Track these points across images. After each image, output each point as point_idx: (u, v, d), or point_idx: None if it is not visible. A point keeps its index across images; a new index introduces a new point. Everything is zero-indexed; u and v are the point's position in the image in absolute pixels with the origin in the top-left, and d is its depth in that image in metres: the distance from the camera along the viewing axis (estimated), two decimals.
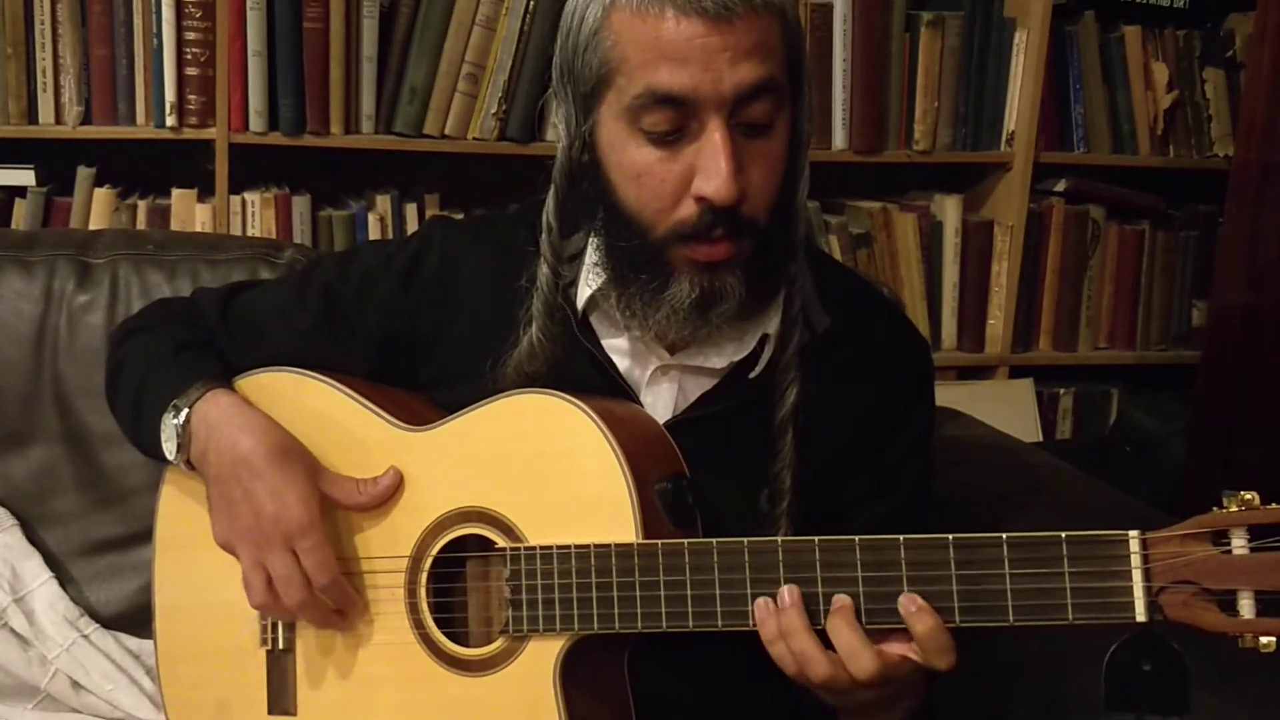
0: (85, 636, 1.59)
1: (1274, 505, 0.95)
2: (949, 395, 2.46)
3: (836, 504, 1.27)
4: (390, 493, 1.22)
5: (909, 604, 1.05)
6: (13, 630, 1.58)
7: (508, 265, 1.26)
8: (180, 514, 1.34)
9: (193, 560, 1.32)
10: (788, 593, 1.08)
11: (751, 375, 1.23)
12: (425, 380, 1.32)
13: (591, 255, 1.23)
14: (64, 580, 1.63)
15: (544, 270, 1.21)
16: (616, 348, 1.25)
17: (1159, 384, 2.77)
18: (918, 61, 2.59)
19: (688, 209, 1.12)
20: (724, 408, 1.24)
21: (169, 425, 1.25)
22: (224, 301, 1.39)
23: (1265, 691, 1.18)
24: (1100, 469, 1.87)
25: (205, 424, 1.24)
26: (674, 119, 1.10)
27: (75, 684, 1.57)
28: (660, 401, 1.25)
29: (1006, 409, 2.67)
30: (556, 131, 1.20)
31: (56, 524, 1.65)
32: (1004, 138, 2.66)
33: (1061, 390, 2.80)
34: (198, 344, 1.35)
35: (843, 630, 1.06)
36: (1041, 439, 2.72)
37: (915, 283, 2.66)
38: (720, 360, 1.23)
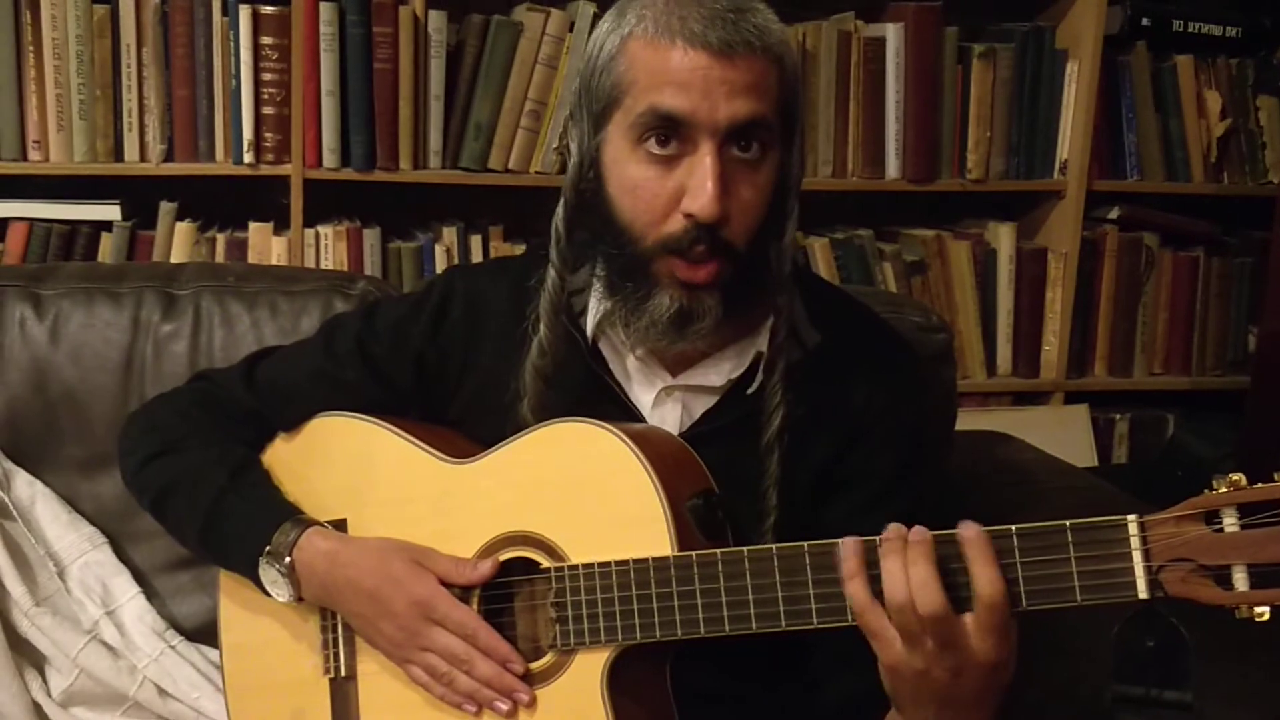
0: (172, 647, 1.65)
1: (1260, 485, 0.98)
2: (1004, 420, 2.49)
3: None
4: (488, 578, 1.26)
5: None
6: (103, 642, 1.64)
7: (523, 303, 1.33)
8: None
9: (256, 599, 1.37)
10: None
11: (749, 391, 1.29)
12: (452, 417, 1.39)
13: (596, 286, 1.30)
14: (150, 594, 1.69)
15: (551, 274, 1.28)
16: (623, 372, 1.32)
17: (1215, 409, 2.76)
18: (970, 92, 2.62)
19: (675, 224, 1.19)
20: (726, 423, 1.30)
21: (270, 572, 1.32)
22: (247, 375, 1.45)
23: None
24: (1152, 493, 1.88)
25: (314, 575, 1.31)
26: (671, 138, 1.18)
27: (162, 692, 1.63)
28: (666, 421, 1.31)
29: (1062, 434, 2.68)
30: (569, 151, 1.28)
31: (142, 541, 1.71)
32: (1057, 166, 2.67)
33: (1117, 416, 2.81)
34: (245, 460, 1.40)
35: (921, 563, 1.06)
36: (1097, 464, 2.73)
37: (970, 310, 2.68)
38: (719, 378, 1.30)
